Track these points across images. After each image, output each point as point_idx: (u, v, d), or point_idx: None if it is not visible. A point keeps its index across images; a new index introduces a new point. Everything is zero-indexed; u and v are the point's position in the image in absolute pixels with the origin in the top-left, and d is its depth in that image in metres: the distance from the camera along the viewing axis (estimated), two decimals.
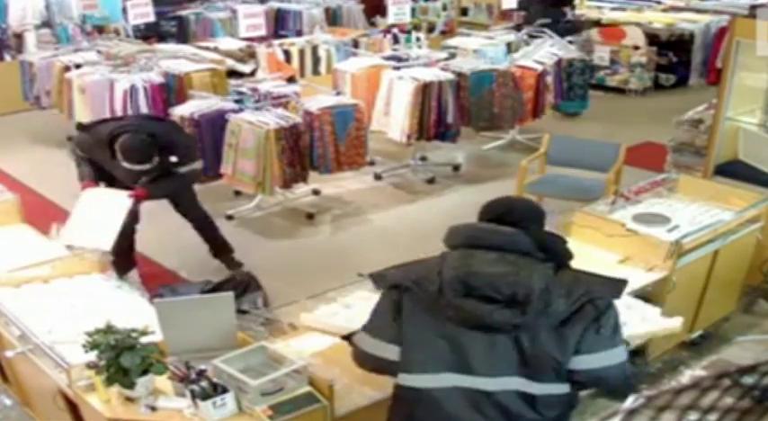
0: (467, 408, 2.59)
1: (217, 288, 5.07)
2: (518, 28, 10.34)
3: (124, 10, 10.64)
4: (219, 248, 5.83)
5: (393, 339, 2.69)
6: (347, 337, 3.01)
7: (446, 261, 2.64)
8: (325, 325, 3.74)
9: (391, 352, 2.70)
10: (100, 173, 5.38)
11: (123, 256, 5.33)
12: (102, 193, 5.28)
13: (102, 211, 5.07)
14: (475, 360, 2.57)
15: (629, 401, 3.34)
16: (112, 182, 5.38)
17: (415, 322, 2.65)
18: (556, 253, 2.70)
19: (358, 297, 3.99)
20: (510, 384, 2.57)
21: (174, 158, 5.30)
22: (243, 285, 5.28)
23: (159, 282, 5.52)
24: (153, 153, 5.16)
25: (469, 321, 2.57)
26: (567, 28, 10.21)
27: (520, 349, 2.55)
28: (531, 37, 9.44)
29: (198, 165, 5.65)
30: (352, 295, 4.02)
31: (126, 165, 5.12)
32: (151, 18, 10.47)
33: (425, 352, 2.63)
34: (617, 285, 2.71)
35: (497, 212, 2.80)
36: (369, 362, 2.84)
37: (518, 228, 2.67)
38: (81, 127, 5.61)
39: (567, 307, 2.56)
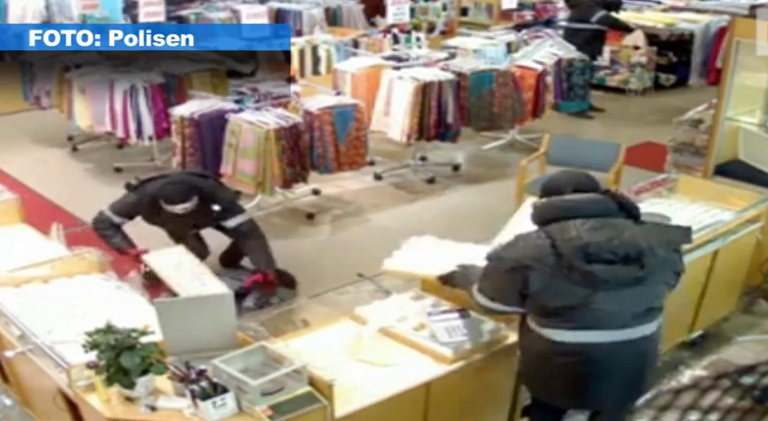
0: (612, 359, 3.09)
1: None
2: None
3: (124, 10, 10.63)
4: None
5: (512, 304, 3.19)
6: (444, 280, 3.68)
7: (555, 236, 3.03)
8: (411, 270, 4.07)
9: (511, 309, 3.24)
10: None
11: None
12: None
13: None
14: (610, 315, 3.05)
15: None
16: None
17: (549, 292, 3.05)
18: (631, 209, 3.16)
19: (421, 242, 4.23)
20: (642, 330, 3.11)
21: (216, 207, 5.41)
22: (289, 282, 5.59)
23: (159, 283, 5.51)
24: (192, 193, 5.22)
25: (598, 283, 2.99)
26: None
27: (642, 298, 3.07)
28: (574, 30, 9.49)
29: (245, 217, 5.57)
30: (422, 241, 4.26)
31: (168, 208, 5.20)
32: (161, 18, 10.43)
33: (567, 315, 3.06)
34: (687, 232, 3.26)
35: (569, 186, 3.20)
36: (490, 312, 3.40)
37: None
38: (134, 190, 5.61)
39: (667, 254, 3.09)
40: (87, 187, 7.65)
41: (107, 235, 5.39)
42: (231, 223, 5.47)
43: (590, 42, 9.45)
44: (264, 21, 9.78)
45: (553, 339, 3.17)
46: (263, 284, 5.33)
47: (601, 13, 9.73)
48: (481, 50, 8.98)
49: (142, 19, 10.30)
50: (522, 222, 4.03)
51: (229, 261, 5.78)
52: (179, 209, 5.20)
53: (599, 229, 3.02)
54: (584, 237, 3.00)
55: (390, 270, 4.17)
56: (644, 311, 3.14)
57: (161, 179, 5.45)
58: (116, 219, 5.42)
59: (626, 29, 10.41)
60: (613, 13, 10.11)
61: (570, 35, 9.74)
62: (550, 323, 3.16)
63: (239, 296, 5.06)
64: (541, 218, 3.17)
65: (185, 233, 5.57)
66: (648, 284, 3.08)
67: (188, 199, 5.22)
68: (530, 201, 3.84)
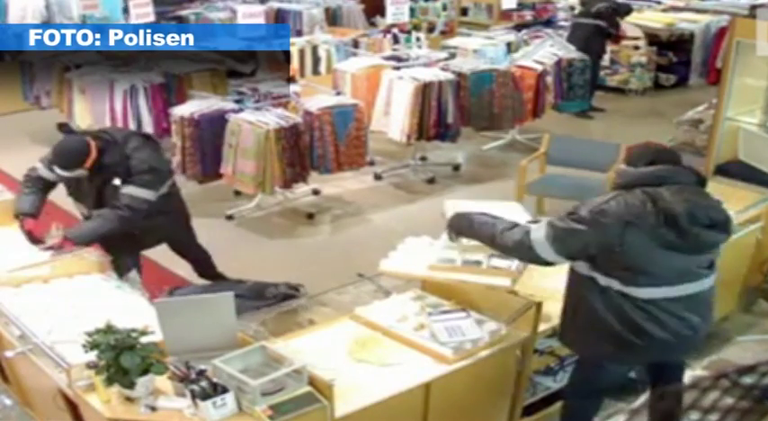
0: (686, 310, 3.38)
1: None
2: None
3: (124, 10, 10.62)
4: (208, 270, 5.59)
5: (578, 258, 3.39)
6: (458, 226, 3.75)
7: (656, 197, 3.26)
8: (407, 271, 4.08)
9: (560, 261, 3.42)
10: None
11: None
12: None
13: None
14: (685, 272, 3.34)
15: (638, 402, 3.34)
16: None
17: (641, 248, 3.26)
18: (703, 179, 3.45)
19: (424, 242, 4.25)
20: (710, 282, 3.45)
21: (116, 181, 4.58)
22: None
23: (159, 284, 5.51)
24: (78, 161, 4.50)
25: (697, 244, 3.30)
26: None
27: (712, 257, 3.43)
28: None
29: (147, 195, 4.60)
30: (419, 242, 4.27)
31: (54, 168, 4.59)
32: (151, 18, 10.44)
33: (653, 270, 3.30)
34: None
35: (652, 157, 3.43)
36: (534, 261, 3.49)
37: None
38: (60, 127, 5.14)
39: None
40: None
41: (21, 191, 4.82)
42: (123, 189, 4.57)
43: (590, 38, 9.41)
44: (261, 21, 9.77)
45: (633, 295, 3.36)
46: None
47: (602, 5, 9.70)
48: (481, 50, 8.98)
49: (133, 20, 10.31)
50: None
51: (205, 272, 5.53)
52: (60, 172, 4.57)
53: (693, 196, 3.32)
54: (687, 200, 3.28)
55: (387, 271, 4.17)
56: (708, 265, 3.47)
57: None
58: (41, 171, 4.77)
59: (617, 28, 10.33)
60: (618, 18, 10.09)
61: (574, 29, 9.76)
62: (630, 280, 3.35)
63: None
64: (633, 182, 3.38)
65: (86, 200, 4.81)
66: (717, 251, 3.48)
67: (72, 167, 4.53)
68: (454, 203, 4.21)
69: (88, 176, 4.63)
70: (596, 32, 9.67)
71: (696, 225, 3.28)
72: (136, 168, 4.59)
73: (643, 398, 4.48)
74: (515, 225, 3.56)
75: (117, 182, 4.60)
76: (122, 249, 4.82)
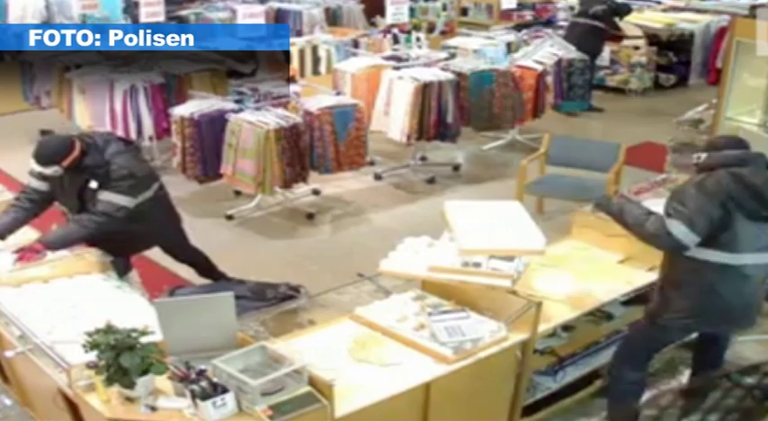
0: (757, 276, 3.83)
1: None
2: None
3: (124, 10, 10.62)
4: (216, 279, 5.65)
5: (703, 235, 3.69)
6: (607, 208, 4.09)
7: (738, 176, 3.68)
8: (407, 271, 4.11)
9: (694, 242, 3.71)
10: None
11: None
12: None
13: None
14: (758, 241, 3.75)
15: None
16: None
17: (739, 222, 3.69)
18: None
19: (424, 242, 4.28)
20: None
21: (93, 184, 4.54)
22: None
23: (159, 284, 5.51)
24: (56, 158, 4.48)
25: None
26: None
27: None
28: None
29: (124, 201, 4.54)
30: (418, 242, 4.30)
31: (32, 163, 4.57)
32: (161, 18, 10.42)
33: (743, 240, 3.71)
34: None
35: (728, 144, 3.88)
36: (667, 244, 3.78)
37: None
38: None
39: None
40: None
41: (7, 208, 4.75)
42: (100, 195, 4.53)
43: (586, 37, 9.40)
44: (261, 21, 9.77)
45: (726, 263, 3.74)
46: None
47: (599, 7, 9.70)
48: (481, 50, 8.97)
49: (143, 19, 10.30)
50: (463, 223, 4.20)
51: (205, 273, 5.50)
52: (37, 168, 4.55)
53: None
54: (765, 177, 3.72)
55: (387, 271, 4.17)
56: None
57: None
58: (33, 183, 4.73)
59: (617, 29, 10.31)
60: (617, 19, 10.08)
61: (570, 28, 9.76)
62: (724, 250, 3.73)
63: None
64: (717, 164, 3.78)
65: (69, 205, 4.73)
66: None
67: (50, 163, 4.50)
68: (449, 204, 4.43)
69: (69, 178, 4.60)
70: (592, 32, 9.67)
71: None
72: (114, 173, 4.55)
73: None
74: (651, 213, 3.90)
75: (93, 185, 4.56)
76: (112, 253, 4.77)
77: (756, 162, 3.82)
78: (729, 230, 3.71)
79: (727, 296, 3.80)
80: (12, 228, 4.67)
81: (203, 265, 5.45)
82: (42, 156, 4.53)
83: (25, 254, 4.42)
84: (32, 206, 4.75)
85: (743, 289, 3.83)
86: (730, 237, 3.72)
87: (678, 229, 3.71)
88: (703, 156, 3.90)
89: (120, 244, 4.74)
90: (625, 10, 10.17)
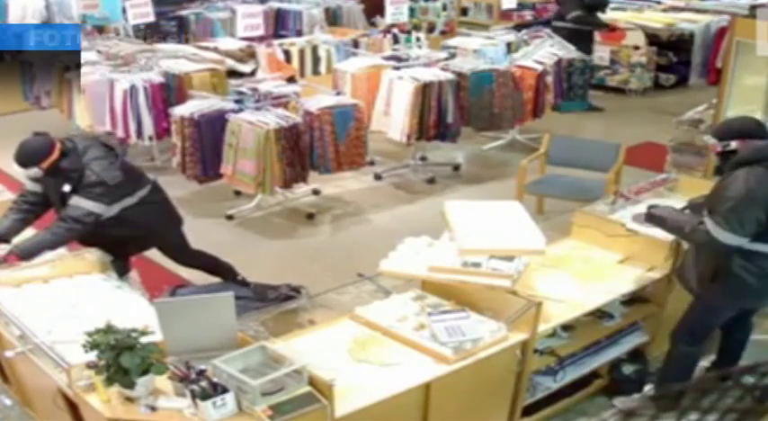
0: None
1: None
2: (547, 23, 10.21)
3: (124, 10, 10.63)
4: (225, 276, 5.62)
5: (750, 234, 3.84)
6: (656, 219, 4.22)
7: None
8: (407, 271, 4.12)
9: (745, 239, 3.86)
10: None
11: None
12: None
13: None
14: None
15: (634, 399, 3.34)
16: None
17: None
18: None
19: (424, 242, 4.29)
20: None
21: (66, 187, 4.53)
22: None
23: (159, 284, 5.52)
24: (34, 159, 4.50)
25: None
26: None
27: None
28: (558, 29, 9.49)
29: (94, 207, 4.52)
30: (418, 242, 4.31)
31: (14, 164, 4.60)
32: (151, 18, 10.45)
33: None
34: None
35: (753, 130, 3.98)
36: (719, 248, 3.89)
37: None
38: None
39: None
40: None
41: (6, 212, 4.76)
42: (71, 200, 4.51)
43: (572, 41, 9.36)
44: (261, 20, 9.78)
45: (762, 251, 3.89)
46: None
47: (575, 13, 9.68)
48: (481, 50, 8.97)
49: (132, 20, 10.32)
50: (463, 223, 4.20)
51: (215, 271, 5.51)
52: (17, 169, 4.59)
53: None
54: None
55: (387, 271, 4.18)
56: None
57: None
58: (28, 185, 4.76)
59: (602, 26, 10.26)
60: (599, 14, 10.06)
61: (555, 32, 9.71)
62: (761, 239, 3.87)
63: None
64: (754, 158, 3.84)
65: (54, 204, 4.70)
66: None
67: (29, 163, 4.52)
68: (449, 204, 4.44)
69: (49, 181, 4.60)
70: (576, 36, 9.57)
71: None
72: (87, 179, 4.54)
73: (636, 397, 4.50)
74: (698, 223, 4.02)
75: (66, 188, 4.54)
76: (109, 254, 4.75)
77: None
78: None
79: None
80: (14, 230, 4.67)
81: (211, 266, 5.45)
82: (21, 157, 4.56)
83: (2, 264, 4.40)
84: (31, 207, 4.76)
85: None
86: None
87: (725, 236, 3.84)
88: (733, 144, 3.94)
89: (111, 247, 4.72)
90: (601, 4, 10.13)
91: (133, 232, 4.79)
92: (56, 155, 4.53)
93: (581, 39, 9.56)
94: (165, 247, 5.23)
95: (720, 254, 3.97)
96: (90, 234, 4.62)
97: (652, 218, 4.25)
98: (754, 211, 3.80)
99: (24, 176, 4.73)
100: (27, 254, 4.46)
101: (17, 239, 4.62)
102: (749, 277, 3.96)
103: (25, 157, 4.55)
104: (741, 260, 3.94)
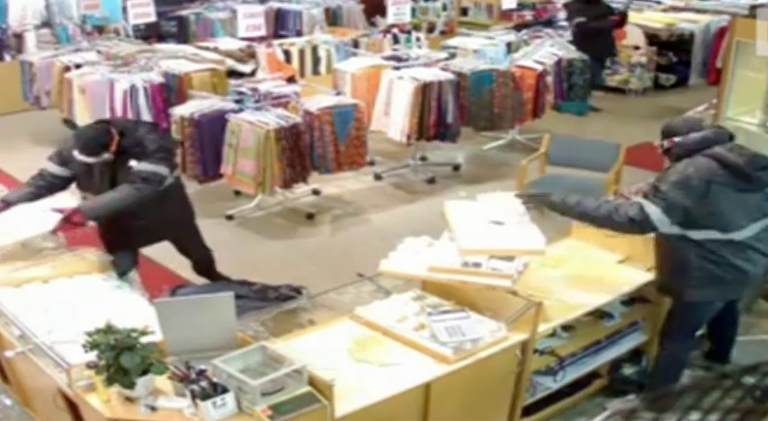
0: (758, 245, 4.02)
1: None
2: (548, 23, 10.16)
3: (124, 10, 10.63)
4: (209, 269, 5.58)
5: (678, 219, 3.95)
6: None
7: (719, 156, 3.91)
8: (407, 271, 4.12)
9: (672, 224, 3.96)
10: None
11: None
12: (34, 207, 4.73)
13: (24, 221, 4.65)
14: (759, 211, 4.01)
15: (629, 400, 3.35)
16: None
17: (723, 198, 3.91)
18: (733, 135, 4.14)
19: (424, 242, 4.28)
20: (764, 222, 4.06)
21: (133, 163, 4.66)
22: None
23: (159, 284, 5.51)
24: (103, 145, 4.60)
25: (757, 185, 3.97)
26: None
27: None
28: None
29: (161, 170, 4.72)
30: (418, 242, 4.31)
31: (75, 154, 4.65)
32: (152, 18, 10.46)
33: (736, 214, 3.96)
34: None
35: (688, 126, 4.14)
36: (645, 225, 3.98)
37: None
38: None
39: None
40: None
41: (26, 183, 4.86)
42: (139, 166, 4.66)
43: (578, 42, 9.34)
44: (261, 20, 9.78)
45: (726, 239, 3.96)
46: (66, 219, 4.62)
47: (577, 20, 9.62)
48: (481, 50, 8.98)
49: (133, 20, 10.32)
50: (463, 223, 4.22)
51: (205, 271, 5.52)
52: (82, 159, 4.64)
53: (740, 149, 4.00)
54: (741, 153, 3.95)
55: (387, 271, 4.18)
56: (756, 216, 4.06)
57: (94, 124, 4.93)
58: (51, 168, 4.81)
59: (606, 30, 10.09)
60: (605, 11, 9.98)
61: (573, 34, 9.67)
62: (720, 227, 3.95)
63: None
64: (689, 150, 4.00)
65: (98, 189, 4.78)
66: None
67: (96, 152, 4.62)
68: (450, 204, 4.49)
69: (102, 163, 4.70)
70: (594, 36, 9.54)
71: (757, 169, 3.94)
72: (149, 148, 4.70)
73: (632, 398, 4.50)
74: (611, 202, 4.18)
75: (133, 163, 4.68)
76: (122, 244, 4.86)
77: (725, 138, 4.07)
78: (720, 210, 3.93)
79: (740, 265, 4.02)
80: (23, 200, 4.76)
81: (206, 264, 5.47)
82: (90, 147, 4.63)
83: (66, 225, 4.55)
84: (46, 186, 4.83)
85: (753, 256, 4.04)
86: (723, 216, 3.95)
87: (654, 212, 3.92)
88: (675, 140, 4.08)
89: (131, 233, 4.84)
90: (604, 14, 9.85)
91: (161, 213, 4.86)
92: (117, 136, 4.67)
93: (586, 40, 9.52)
94: (181, 234, 5.27)
95: (678, 248, 4.05)
96: (132, 212, 4.70)
97: (564, 205, 4.25)
98: (683, 198, 3.89)
99: (55, 159, 4.81)
100: (93, 213, 4.60)
101: None
102: (712, 267, 4.01)
103: (96, 146, 4.64)
104: (697, 250, 4.01)
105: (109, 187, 4.71)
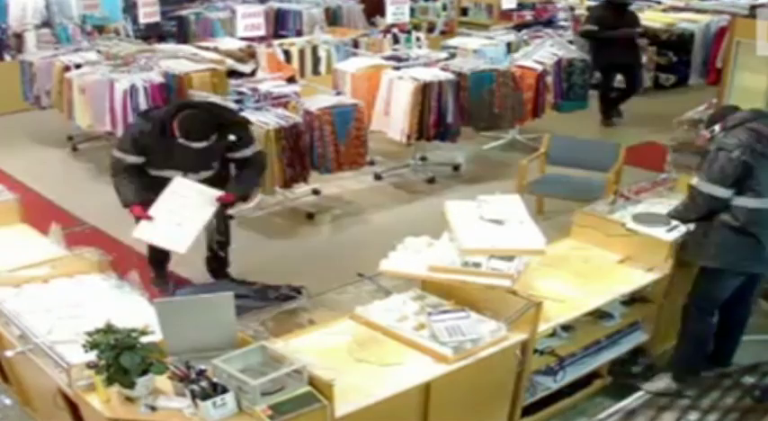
0: None
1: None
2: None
3: (124, 10, 10.62)
4: (222, 266, 5.74)
5: (731, 186, 4.24)
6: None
7: (757, 129, 4.27)
8: (407, 271, 4.13)
9: (728, 192, 4.24)
10: (148, 183, 5.11)
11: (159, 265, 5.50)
12: (191, 189, 5.05)
13: (185, 211, 4.96)
14: None
15: (630, 400, 3.37)
16: (159, 189, 5.06)
17: (758, 165, 4.22)
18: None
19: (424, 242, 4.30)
20: None
21: (232, 137, 5.09)
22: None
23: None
24: (211, 129, 4.97)
25: None
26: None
27: None
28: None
29: (256, 146, 5.34)
30: (418, 242, 4.32)
31: (183, 142, 4.91)
32: (157, 18, 10.45)
33: (759, 188, 4.24)
34: None
35: (727, 110, 4.50)
36: (710, 204, 4.28)
37: None
38: (140, 114, 5.56)
39: None
40: (87, 187, 7.64)
41: (116, 181, 5.07)
42: (247, 152, 5.22)
43: (591, 50, 9.32)
44: (261, 20, 9.78)
45: (759, 207, 4.23)
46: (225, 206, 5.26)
47: (586, 27, 9.54)
48: (481, 50, 8.97)
49: (142, 20, 10.31)
50: (463, 223, 4.23)
51: (215, 265, 5.67)
52: (194, 145, 4.93)
53: None
54: None
55: (387, 271, 4.18)
56: None
57: (172, 108, 5.18)
58: (128, 158, 5.07)
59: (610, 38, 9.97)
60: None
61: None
62: (755, 194, 4.23)
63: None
64: (730, 124, 4.32)
65: (194, 168, 5.15)
66: None
67: (206, 137, 4.96)
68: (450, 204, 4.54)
69: (184, 144, 4.96)
70: (626, 44, 9.45)
71: None
72: (241, 123, 5.42)
73: (637, 396, 4.50)
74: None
75: (232, 137, 5.11)
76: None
77: (761, 115, 4.39)
78: (755, 178, 4.20)
79: (761, 237, 4.25)
80: (142, 193, 5.03)
81: (223, 258, 5.67)
82: (203, 131, 4.95)
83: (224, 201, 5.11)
84: (138, 177, 5.09)
85: None
86: (757, 183, 4.21)
87: (707, 187, 4.23)
88: (716, 127, 4.39)
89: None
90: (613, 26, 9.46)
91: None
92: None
93: (629, 47, 9.45)
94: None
95: (711, 212, 4.29)
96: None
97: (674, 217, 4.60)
98: (729, 165, 4.17)
99: (129, 150, 5.05)
100: (243, 192, 5.36)
101: None
102: (729, 233, 4.24)
103: (208, 129, 4.97)
104: (724, 214, 4.26)
105: (201, 160, 5.10)
